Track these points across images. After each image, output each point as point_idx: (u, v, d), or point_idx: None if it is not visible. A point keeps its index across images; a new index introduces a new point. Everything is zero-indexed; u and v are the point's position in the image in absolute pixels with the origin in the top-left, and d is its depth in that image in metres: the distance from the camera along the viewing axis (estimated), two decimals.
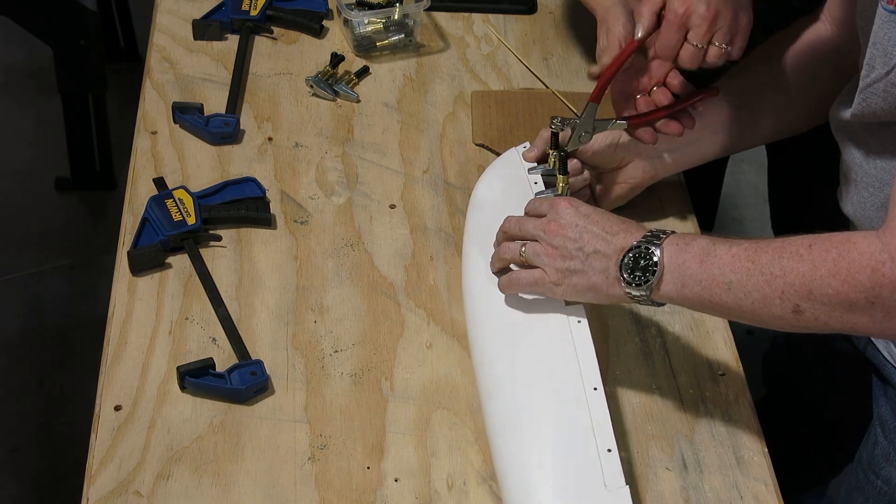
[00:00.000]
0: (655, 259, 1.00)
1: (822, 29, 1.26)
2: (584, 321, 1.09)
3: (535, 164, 1.25)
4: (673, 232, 1.03)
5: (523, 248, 1.08)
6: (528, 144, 1.29)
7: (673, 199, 1.37)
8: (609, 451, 0.99)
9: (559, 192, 1.21)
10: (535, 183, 1.24)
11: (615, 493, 0.97)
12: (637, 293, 1.02)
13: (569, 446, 1.01)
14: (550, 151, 1.24)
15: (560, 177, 1.21)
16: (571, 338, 1.08)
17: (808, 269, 0.94)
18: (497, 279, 1.11)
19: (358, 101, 1.47)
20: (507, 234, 1.12)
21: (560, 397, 1.04)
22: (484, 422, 1.08)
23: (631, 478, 1.07)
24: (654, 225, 1.31)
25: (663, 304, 1.03)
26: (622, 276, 1.02)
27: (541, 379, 1.06)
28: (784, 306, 0.96)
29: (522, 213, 1.15)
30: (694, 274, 0.99)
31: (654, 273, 1.00)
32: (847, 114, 1.09)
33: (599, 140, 1.25)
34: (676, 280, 1.00)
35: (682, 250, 1.00)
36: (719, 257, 0.98)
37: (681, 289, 1.00)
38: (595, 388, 1.04)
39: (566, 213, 1.07)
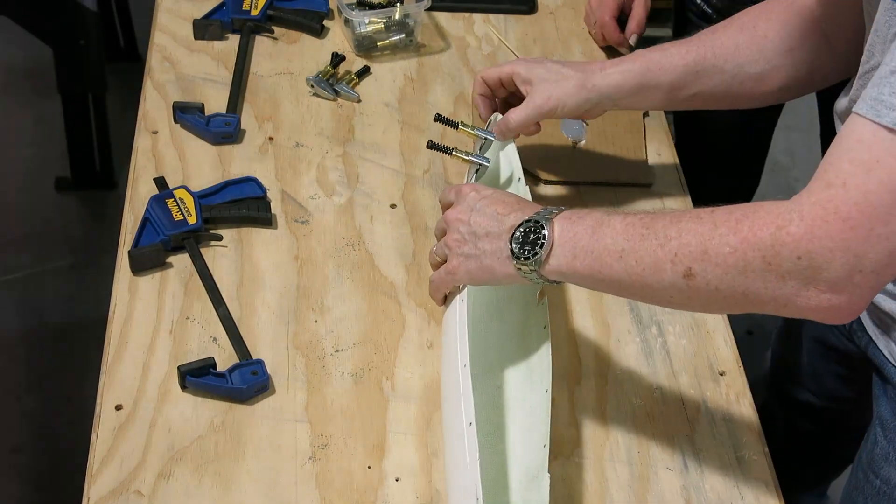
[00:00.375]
0: (545, 232, 0.99)
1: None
2: (466, 299, 1.10)
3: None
4: (562, 210, 1.01)
5: (435, 249, 1.12)
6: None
7: (673, 199, 1.37)
8: (470, 424, 0.98)
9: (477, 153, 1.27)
10: (476, 172, 1.26)
11: (473, 466, 0.96)
12: (525, 268, 1.00)
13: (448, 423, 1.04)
14: (462, 128, 1.29)
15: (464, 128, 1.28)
16: (457, 317, 1.09)
17: (707, 228, 0.90)
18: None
19: (359, 101, 1.47)
20: (437, 229, 1.16)
21: (447, 375, 1.08)
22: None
23: (632, 478, 1.07)
24: None
25: (557, 283, 1.02)
26: (512, 250, 1.01)
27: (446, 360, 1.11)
28: (675, 270, 0.92)
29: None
30: (585, 245, 0.97)
31: (541, 246, 0.98)
32: (846, 101, 1.09)
33: (567, 101, 1.23)
34: (567, 252, 0.98)
35: (575, 223, 0.99)
36: (612, 226, 0.96)
37: (571, 261, 0.98)
38: (465, 365, 1.04)
39: (465, 198, 1.09)
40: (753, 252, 0.87)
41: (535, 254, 0.99)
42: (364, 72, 1.51)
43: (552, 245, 0.99)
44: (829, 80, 1.23)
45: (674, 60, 1.23)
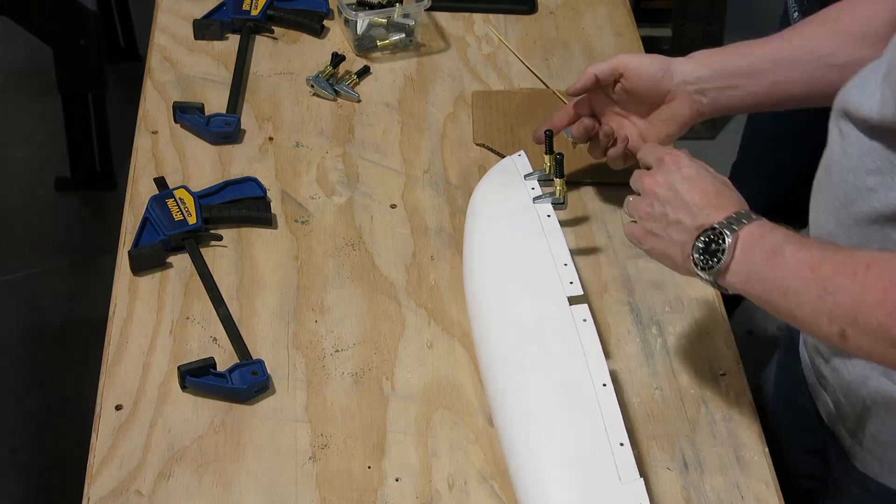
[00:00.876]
0: (725, 247, 0.96)
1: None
2: (590, 319, 1.10)
3: (531, 171, 1.27)
4: (760, 218, 0.98)
5: (630, 201, 1.09)
6: (523, 153, 1.31)
7: None
8: (621, 444, 0.99)
9: (557, 195, 1.22)
10: (532, 189, 1.25)
11: (630, 485, 0.97)
12: (704, 276, 0.99)
13: (581, 442, 1.01)
14: (546, 156, 1.25)
15: (557, 180, 1.22)
16: (578, 336, 1.08)
17: (858, 292, 0.87)
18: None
19: (359, 101, 1.47)
20: (631, 183, 1.11)
21: (570, 395, 1.04)
22: (493, 422, 1.09)
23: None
24: None
25: (729, 292, 1.00)
26: (693, 255, 0.99)
27: (550, 378, 1.07)
28: (831, 328, 0.89)
29: (520, 221, 1.19)
30: (759, 270, 0.95)
31: (719, 261, 0.96)
32: (874, 108, 1.05)
33: (645, 65, 1.24)
34: (742, 273, 0.96)
35: (755, 242, 0.95)
36: (785, 259, 0.93)
37: (745, 283, 0.96)
38: (604, 385, 1.04)
39: (666, 170, 1.05)
40: None
41: (712, 267, 0.97)
42: (364, 72, 1.51)
43: (730, 262, 0.96)
44: None
45: (753, 49, 1.22)
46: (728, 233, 0.97)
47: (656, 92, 1.25)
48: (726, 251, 0.96)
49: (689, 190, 1.03)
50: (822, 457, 1.19)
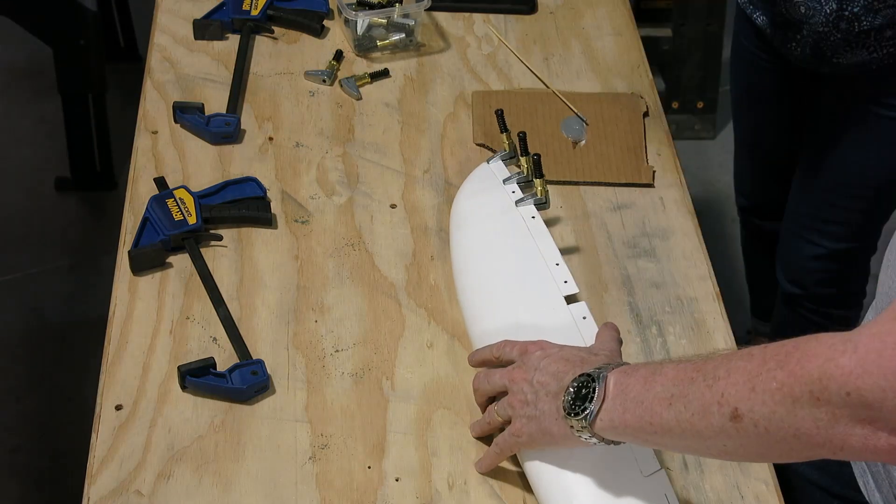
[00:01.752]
0: (595, 385, 0.92)
1: None
2: (590, 316, 1.10)
3: (509, 175, 1.28)
4: (620, 364, 0.95)
5: (496, 409, 1.03)
6: (497, 158, 1.31)
7: (673, 199, 1.37)
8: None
9: (539, 196, 1.23)
10: (513, 192, 1.25)
11: (652, 477, 0.98)
12: (577, 424, 0.93)
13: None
14: (521, 158, 1.26)
15: (537, 181, 1.23)
16: (580, 334, 1.09)
17: (756, 364, 0.83)
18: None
19: (359, 99, 1.47)
20: (481, 395, 1.07)
21: None
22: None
23: None
24: (655, 225, 1.31)
25: (613, 442, 0.94)
26: (564, 406, 0.94)
27: None
28: (722, 412, 0.84)
29: (505, 226, 1.19)
30: (636, 395, 0.90)
31: (591, 400, 0.92)
32: None
33: None
34: (618, 406, 0.91)
35: (628, 375, 0.92)
36: (664, 374, 0.89)
37: (622, 414, 0.91)
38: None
39: (530, 357, 1.01)
40: (800, 386, 0.79)
41: (585, 409, 0.92)
42: (382, 74, 1.51)
43: (603, 399, 0.92)
44: None
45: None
46: (597, 375, 0.93)
47: None
48: (596, 390, 0.92)
49: (554, 362, 0.99)
50: None
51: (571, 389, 0.94)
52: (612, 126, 1.45)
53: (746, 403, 0.82)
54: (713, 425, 0.85)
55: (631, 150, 1.41)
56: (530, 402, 0.99)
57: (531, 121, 1.44)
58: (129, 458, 1.05)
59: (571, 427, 0.94)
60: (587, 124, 1.40)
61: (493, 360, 1.07)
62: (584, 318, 1.10)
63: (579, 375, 0.95)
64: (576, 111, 1.44)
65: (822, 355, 0.78)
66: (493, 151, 1.41)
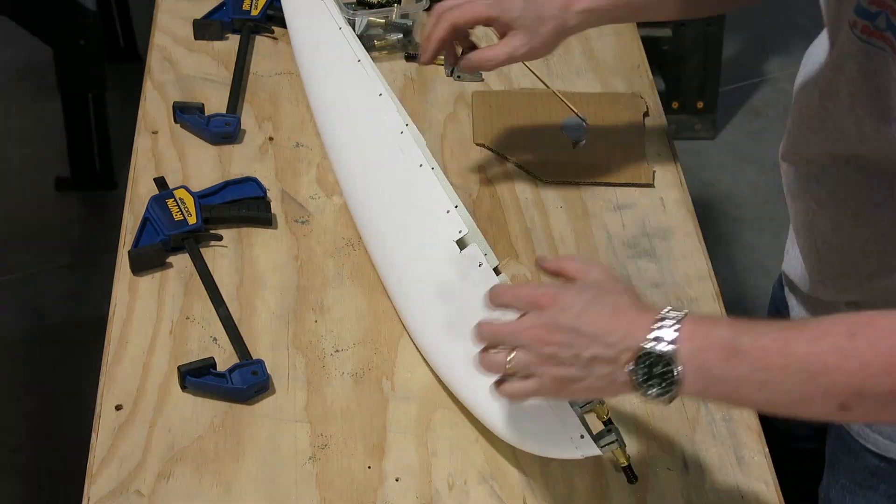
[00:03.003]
0: (672, 367, 0.85)
1: None
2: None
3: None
4: (681, 319, 0.87)
5: (510, 360, 0.92)
6: None
7: (673, 199, 1.37)
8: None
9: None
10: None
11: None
12: (660, 401, 0.87)
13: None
14: None
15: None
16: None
17: (856, 367, 0.81)
18: None
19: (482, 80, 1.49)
20: (485, 340, 0.95)
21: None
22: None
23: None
24: (655, 225, 1.31)
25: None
26: (637, 382, 0.87)
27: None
28: (828, 404, 0.83)
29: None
30: (719, 375, 0.85)
31: (672, 382, 0.85)
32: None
33: (479, 10, 1.21)
34: (699, 381, 0.86)
35: (702, 349, 0.85)
36: (746, 354, 0.84)
37: (705, 389, 0.87)
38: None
39: (552, 315, 0.90)
40: None
41: (668, 390, 0.86)
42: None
43: (683, 378, 0.85)
44: None
45: None
46: (667, 349, 0.86)
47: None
48: (674, 370, 0.85)
49: (588, 323, 0.89)
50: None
51: (641, 368, 0.86)
52: (612, 126, 1.45)
53: (856, 400, 0.82)
54: (815, 410, 0.85)
55: (631, 151, 1.41)
56: (570, 363, 0.89)
57: (531, 121, 1.44)
58: (129, 458, 1.05)
59: (648, 398, 0.87)
60: (587, 125, 1.40)
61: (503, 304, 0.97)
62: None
63: (644, 352, 0.86)
64: (576, 111, 1.44)
65: None
66: (493, 151, 1.41)
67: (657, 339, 0.86)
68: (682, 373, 0.85)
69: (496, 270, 1.05)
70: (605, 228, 1.32)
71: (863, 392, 0.82)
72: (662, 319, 0.87)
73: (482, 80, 1.51)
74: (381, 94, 1.25)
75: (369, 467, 1.06)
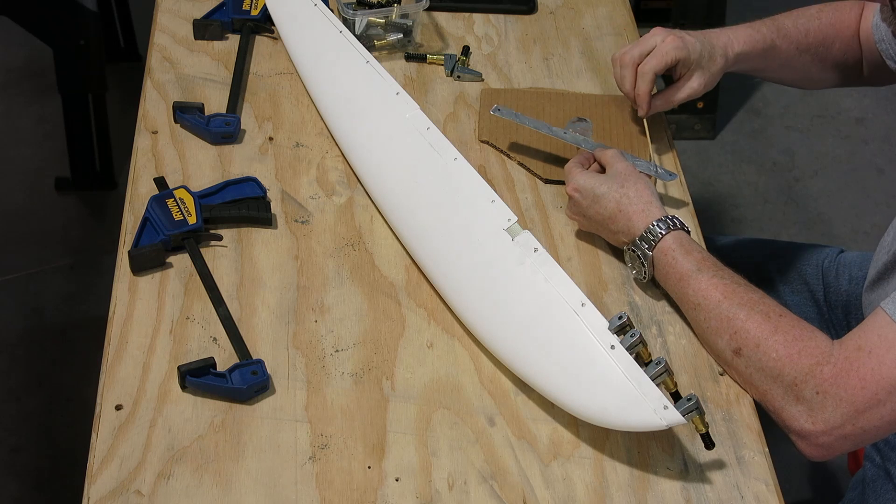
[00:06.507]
0: (645, 267, 1.20)
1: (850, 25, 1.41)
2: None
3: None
4: (664, 235, 1.18)
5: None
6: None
7: (674, 199, 1.37)
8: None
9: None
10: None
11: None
12: (631, 253, 1.22)
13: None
14: None
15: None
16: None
17: (769, 329, 1.09)
18: None
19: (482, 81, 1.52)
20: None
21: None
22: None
23: (632, 478, 1.07)
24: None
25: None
26: (627, 256, 1.23)
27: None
28: (729, 343, 1.12)
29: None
30: (672, 283, 1.18)
31: (644, 274, 1.21)
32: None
33: (694, 54, 1.35)
34: (660, 271, 1.19)
35: (668, 265, 1.18)
36: (698, 282, 1.15)
37: (662, 278, 1.20)
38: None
39: (576, 200, 1.26)
40: (790, 369, 1.07)
41: (641, 276, 1.22)
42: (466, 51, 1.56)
43: (653, 262, 1.19)
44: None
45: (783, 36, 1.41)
46: (646, 253, 1.19)
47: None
48: (645, 267, 1.20)
49: (595, 212, 1.24)
50: None
51: (628, 252, 1.22)
52: (612, 126, 1.45)
53: (748, 350, 1.10)
54: (718, 345, 1.14)
55: (632, 151, 1.41)
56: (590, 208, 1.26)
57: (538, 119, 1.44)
58: (129, 458, 1.05)
59: (628, 251, 1.22)
60: (590, 125, 1.40)
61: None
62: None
63: (632, 246, 1.21)
64: (581, 117, 1.44)
65: (815, 356, 1.07)
66: (497, 149, 1.41)
67: (643, 240, 1.19)
68: (651, 271, 1.20)
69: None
70: None
71: (759, 346, 1.09)
72: (655, 224, 1.18)
73: (482, 79, 1.52)
74: (398, 93, 1.32)
75: (369, 467, 1.06)
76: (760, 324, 1.10)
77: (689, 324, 1.22)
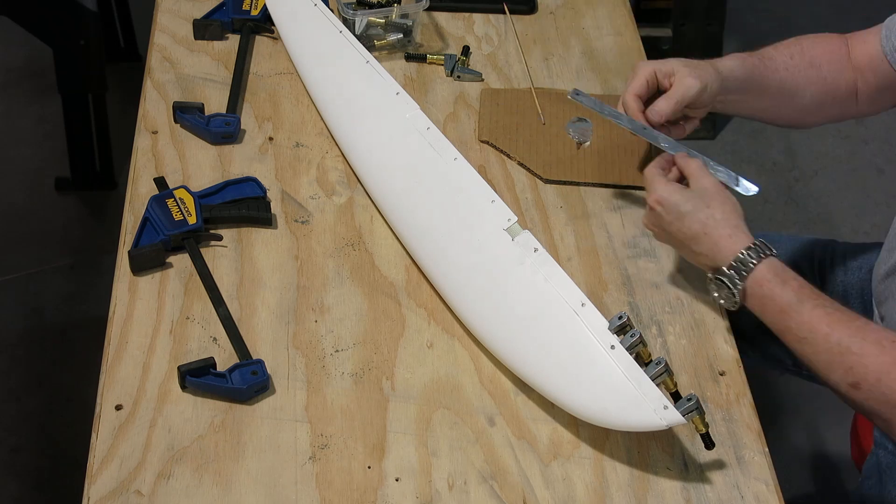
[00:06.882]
0: (736, 297, 1.13)
1: (841, 59, 1.36)
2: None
3: None
4: (757, 263, 1.11)
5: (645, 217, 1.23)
6: None
7: None
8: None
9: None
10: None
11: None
12: (720, 286, 1.15)
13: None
14: None
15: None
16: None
17: (888, 361, 1.04)
18: None
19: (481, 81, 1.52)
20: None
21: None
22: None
23: (632, 478, 1.07)
24: None
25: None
26: (713, 284, 1.16)
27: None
28: (845, 378, 1.06)
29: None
30: (771, 318, 1.12)
31: (734, 304, 1.14)
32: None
33: (692, 89, 1.27)
34: (755, 305, 1.13)
35: (765, 297, 1.11)
36: (801, 314, 1.09)
37: (760, 312, 1.13)
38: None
39: (657, 214, 1.19)
40: None
41: (731, 305, 1.15)
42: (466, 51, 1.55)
43: (743, 303, 1.14)
44: None
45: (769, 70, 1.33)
46: (737, 285, 1.12)
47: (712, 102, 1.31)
48: (736, 297, 1.13)
49: (677, 229, 1.17)
50: None
51: (713, 282, 1.15)
52: (613, 127, 1.45)
53: (868, 385, 1.05)
54: (831, 378, 1.08)
55: (632, 152, 1.41)
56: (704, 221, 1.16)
57: (538, 120, 1.44)
58: (129, 458, 1.05)
59: (714, 279, 1.15)
60: (588, 122, 1.40)
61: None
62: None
63: (719, 275, 1.14)
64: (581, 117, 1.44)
65: None
66: (497, 149, 1.41)
67: (733, 269, 1.12)
68: (741, 301, 1.13)
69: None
70: (605, 228, 1.32)
71: (881, 381, 1.03)
72: (745, 253, 1.12)
73: (482, 79, 1.52)
74: (398, 93, 1.32)
75: (369, 467, 1.06)
76: (877, 356, 1.04)
77: (689, 324, 1.22)
